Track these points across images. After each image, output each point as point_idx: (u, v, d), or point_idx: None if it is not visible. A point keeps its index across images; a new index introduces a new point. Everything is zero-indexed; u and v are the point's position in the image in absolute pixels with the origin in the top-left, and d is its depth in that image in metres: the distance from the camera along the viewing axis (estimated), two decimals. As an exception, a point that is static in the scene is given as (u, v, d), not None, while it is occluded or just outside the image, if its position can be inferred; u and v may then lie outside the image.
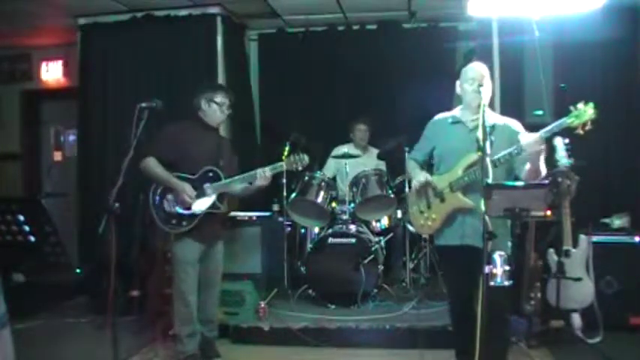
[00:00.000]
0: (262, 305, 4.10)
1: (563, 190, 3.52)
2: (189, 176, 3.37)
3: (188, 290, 3.39)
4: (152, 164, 3.32)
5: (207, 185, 3.36)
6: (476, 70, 2.91)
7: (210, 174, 3.40)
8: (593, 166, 4.04)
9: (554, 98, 4.39)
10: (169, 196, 3.36)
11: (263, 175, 3.33)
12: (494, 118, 2.94)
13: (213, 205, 3.37)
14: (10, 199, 4.38)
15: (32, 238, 4.02)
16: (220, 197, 3.42)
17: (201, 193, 3.35)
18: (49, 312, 4.64)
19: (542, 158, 2.69)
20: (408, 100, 5.23)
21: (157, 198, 3.39)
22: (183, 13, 5.10)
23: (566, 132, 2.63)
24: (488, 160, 2.48)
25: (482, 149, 2.43)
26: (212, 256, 3.52)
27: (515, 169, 2.86)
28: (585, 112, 2.52)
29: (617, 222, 4.08)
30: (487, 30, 4.70)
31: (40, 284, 4.72)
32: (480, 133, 2.44)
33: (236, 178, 3.40)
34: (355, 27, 5.60)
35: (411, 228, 3.11)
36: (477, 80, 2.84)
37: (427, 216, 3.00)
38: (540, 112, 3.76)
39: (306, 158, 3.38)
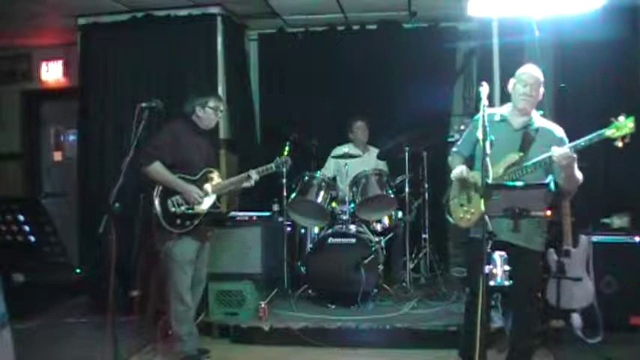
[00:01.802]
0: (262, 305, 4.10)
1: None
2: (191, 177, 3.50)
3: (185, 290, 3.48)
4: (159, 169, 3.41)
5: (207, 186, 3.53)
6: (530, 74, 2.94)
7: (210, 175, 3.57)
8: (594, 166, 4.03)
9: (554, 98, 4.38)
10: (174, 198, 3.44)
11: (257, 177, 3.56)
12: (541, 122, 2.98)
13: (214, 205, 3.55)
14: (10, 199, 4.36)
15: (32, 238, 4.01)
16: (218, 196, 3.63)
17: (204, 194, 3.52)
18: (49, 312, 4.64)
19: (575, 166, 2.74)
20: (408, 100, 5.23)
21: (162, 199, 3.45)
22: (183, 13, 5.09)
23: (604, 143, 2.63)
24: (488, 160, 2.50)
25: (522, 150, 2.67)
26: (202, 255, 3.64)
27: (554, 173, 2.88)
28: (626, 125, 2.55)
29: (617, 222, 4.09)
30: (487, 30, 4.70)
31: (40, 284, 4.72)
32: (484, 134, 2.48)
33: (233, 179, 3.63)
34: (355, 27, 5.59)
35: (450, 219, 3.14)
36: (529, 85, 2.89)
37: (467, 209, 3.02)
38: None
39: (289, 160, 3.68)
